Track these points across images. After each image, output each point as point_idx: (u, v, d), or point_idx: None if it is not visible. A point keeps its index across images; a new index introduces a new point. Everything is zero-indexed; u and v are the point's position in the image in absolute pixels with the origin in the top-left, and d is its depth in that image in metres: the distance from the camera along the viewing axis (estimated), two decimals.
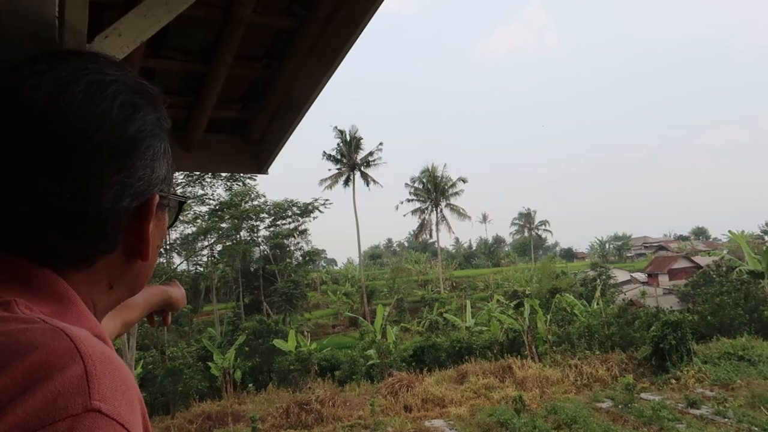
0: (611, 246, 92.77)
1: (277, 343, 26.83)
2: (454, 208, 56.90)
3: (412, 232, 75.56)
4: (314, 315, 49.43)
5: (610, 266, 56.75)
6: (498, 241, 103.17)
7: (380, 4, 2.02)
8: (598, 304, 28.80)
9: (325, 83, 2.42)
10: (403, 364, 26.17)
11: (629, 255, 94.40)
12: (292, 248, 49.17)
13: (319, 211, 42.74)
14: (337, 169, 49.79)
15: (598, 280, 42.31)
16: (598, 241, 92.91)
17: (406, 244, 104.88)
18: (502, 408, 19.43)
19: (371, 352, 27.11)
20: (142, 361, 26.12)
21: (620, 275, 53.70)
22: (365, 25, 2.11)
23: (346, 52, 2.24)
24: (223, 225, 37.31)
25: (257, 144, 2.87)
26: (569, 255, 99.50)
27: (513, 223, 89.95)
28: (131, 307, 1.23)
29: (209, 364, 25.72)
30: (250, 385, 25.80)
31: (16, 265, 0.62)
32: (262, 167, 2.87)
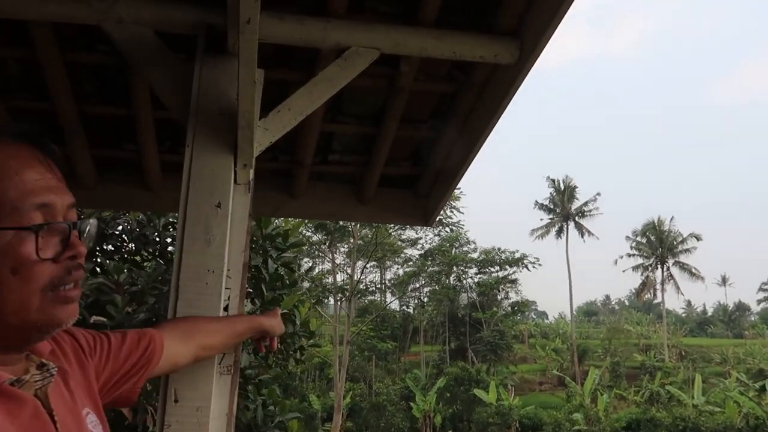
0: None
1: (478, 392, 26.50)
2: (684, 267, 51.03)
3: (633, 290, 69.34)
4: (520, 368, 47.68)
5: None
6: (741, 308, 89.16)
7: (528, 70, 2.08)
8: None
9: (483, 143, 2.51)
10: None
11: None
12: (500, 297, 48.53)
13: (527, 269, 41.60)
14: (550, 218, 48.30)
15: None
16: None
17: (626, 303, 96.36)
18: None
19: (578, 416, 25.25)
20: (351, 392, 27.82)
21: None
22: (517, 88, 2.18)
23: (500, 116, 2.32)
24: (433, 269, 38.46)
25: (426, 198, 3.05)
26: None
27: (761, 289, 77.17)
28: (207, 331, 1.40)
29: (411, 404, 26.38)
30: (450, 431, 25.78)
31: None
32: (428, 219, 3.03)
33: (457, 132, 2.65)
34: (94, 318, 3.43)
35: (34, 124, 2.45)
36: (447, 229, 35.83)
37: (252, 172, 1.84)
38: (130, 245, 4.17)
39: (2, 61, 2.22)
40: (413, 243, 33.57)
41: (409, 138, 2.79)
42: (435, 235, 34.73)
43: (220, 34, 1.82)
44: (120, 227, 4.13)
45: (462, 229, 39.64)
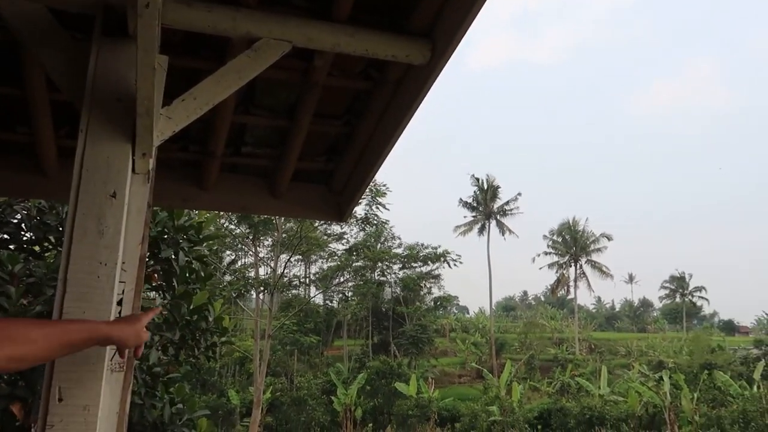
0: None
1: (399, 386, 26.88)
2: (595, 266, 53.84)
3: (548, 287, 72.43)
4: (441, 362, 48.76)
5: None
6: (645, 304, 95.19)
7: (440, 70, 2.12)
8: (759, 388, 25.36)
9: (396, 140, 2.55)
10: (527, 426, 24.87)
11: None
12: (423, 292, 49.36)
13: (449, 265, 42.52)
14: (473, 216, 49.58)
15: (762, 360, 37.22)
16: (766, 316, 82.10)
17: (542, 299, 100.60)
18: None
19: (494, 408, 26.13)
20: (272, 387, 27.49)
21: None
22: (429, 88, 2.22)
23: (413, 114, 2.36)
24: (358, 264, 38.58)
25: (340, 194, 3.06)
26: (730, 328, 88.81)
27: (663, 286, 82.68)
28: (20, 340, 1.12)
29: (333, 398, 26.39)
30: (370, 424, 26.00)
31: None
32: (342, 216, 3.04)
33: (372, 129, 2.66)
34: None
35: None
36: (374, 225, 35.98)
37: (153, 161, 1.77)
38: (27, 234, 3.92)
39: None
40: (339, 238, 33.53)
41: (324, 133, 2.78)
42: (360, 230, 34.83)
43: (120, 15, 1.74)
44: (18, 215, 3.87)
45: (387, 225, 40.03)
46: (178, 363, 4.65)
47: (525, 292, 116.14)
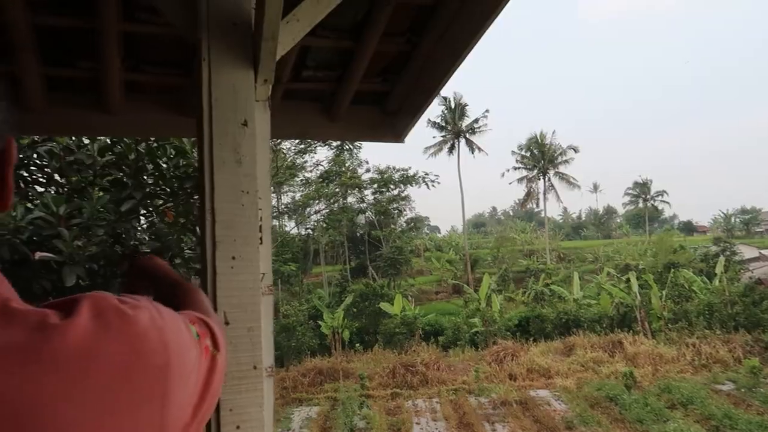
0: (737, 220, 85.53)
1: (384, 306, 27.70)
2: (563, 177, 54.95)
3: (517, 201, 73.97)
4: (417, 281, 50.19)
5: (735, 241, 52.47)
6: (609, 211, 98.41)
7: None
8: (720, 281, 26.95)
9: (463, 59, 2.53)
10: (508, 333, 26.12)
11: (758, 230, 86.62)
12: (395, 215, 49.95)
13: (427, 186, 42.75)
14: (442, 136, 49.57)
15: (722, 256, 39.39)
16: (722, 215, 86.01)
17: (511, 213, 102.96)
18: (611, 383, 18.94)
19: (476, 320, 27.27)
20: None
21: (747, 252, 49.52)
22: (503, 6, 2.20)
23: (484, 31, 2.34)
24: (333, 190, 38.57)
25: (394, 115, 3.05)
26: (689, 228, 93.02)
27: (626, 193, 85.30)
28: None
29: (319, 323, 27.11)
30: (358, 344, 26.94)
31: None
32: (399, 136, 3.05)
33: (434, 47, 2.64)
34: (38, 254, 3.18)
35: None
36: (343, 151, 35.75)
37: (270, 87, 1.76)
38: (55, 175, 3.84)
39: None
40: (314, 166, 33.20)
41: (382, 53, 2.74)
42: (336, 155, 34.43)
43: None
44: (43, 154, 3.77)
45: (355, 150, 39.80)
46: None
47: (494, 208, 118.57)
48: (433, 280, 52.65)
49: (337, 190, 39.31)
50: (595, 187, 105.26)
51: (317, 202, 40.09)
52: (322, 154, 54.17)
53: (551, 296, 33.54)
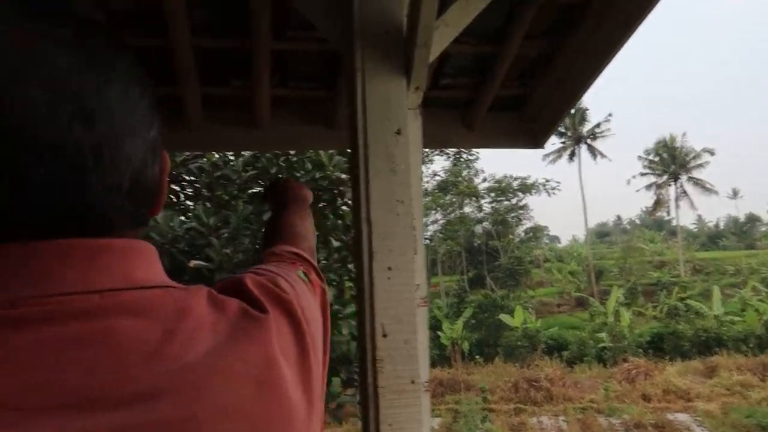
0: None
1: (504, 318, 27.04)
2: (698, 183, 50.78)
3: (645, 209, 69.35)
4: (537, 293, 48.44)
5: None
6: (751, 219, 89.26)
7: None
8: None
9: (611, 59, 2.37)
10: (639, 350, 24.44)
11: None
12: (513, 225, 48.75)
13: (547, 193, 41.36)
14: (561, 143, 47.78)
15: None
16: None
17: (638, 222, 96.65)
18: (764, 410, 17.03)
19: (603, 335, 25.81)
20: None
21: None
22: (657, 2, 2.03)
23: (636, 27, 2.17)
24: (450, 200, 38.53)
25: (533, 121, 2.93)
26: None
27: None
28: (309, 236, 1.22)
29: (438, 333, 27.00)
30: (477, 356, 26.48)
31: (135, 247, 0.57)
32: (539, 143, 2.92)
33: (578, 48, 2.50)
34: (193, 262, 3.41)
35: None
36: (460, 160, 35.54)
37: (421, 95, 1.73)
38: (203, 189, 4.10)
39: None
40: (431, 176, 33.39)
41: (523, 56, 2.64)
42: (453, 165, 34.30)
43: None
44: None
45: (471, 158, 39.37)
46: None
47: (618, 217, 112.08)
48: (554, 292, 50.57)
49: (453, 199, 39.14)
50: (735, 193, 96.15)
51: (434, 212, 40.13)
52: (439, 164, 54.45)
53: (687, 311, 30.92)
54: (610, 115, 52.97)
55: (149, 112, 0.58)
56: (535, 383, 20.46)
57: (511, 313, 27.62)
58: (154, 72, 2.39)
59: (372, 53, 1.65)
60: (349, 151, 1.74)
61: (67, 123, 0.49)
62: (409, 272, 1.58)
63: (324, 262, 4.26)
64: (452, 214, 41.73)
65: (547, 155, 48.28)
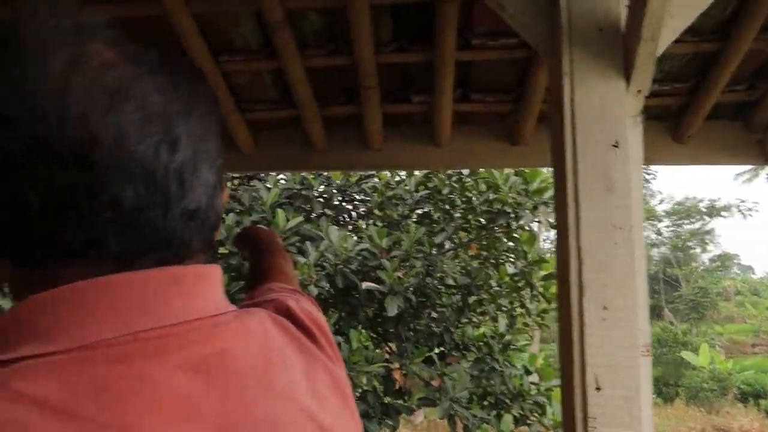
0: None
1: (686, 355, 24.26)
2: None
3: None
4: (726, 329, 42.87)
5: None
6: None
7: None
8: None
9: None
10: None
11: None
12: (697, 250, 43.97)
13: (743, 215, 36.78)
14: None
15: None
16: None
17: None
18: None
19: None
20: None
21: None
22: None
23: None
24: None
25: (764, 130, 2.44)
26: None
27: None
28: (293, 278, 1.22)
29: None
30: (655, 396, 24.02)
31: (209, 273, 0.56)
32: None
33: None
34: (365, 284, 3.37)
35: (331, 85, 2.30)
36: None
37: (643, 100, 1.45)
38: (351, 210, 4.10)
39: (302, 13, 2.06)
40: None
41: (752, 54, 2.20)
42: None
43: None
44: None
45: (648, 176, 36.28)
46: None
47: None
48: (748, 329, 44.38)
49: None
50: None
51: None
52: None
53: None
54: None
55: (218, 138, 0.59)
56: None
57: (695, 350, 24.69)
58: (335, 91, 2.37)
59: (582, 54, 1.41)
60: (548, 170, 1.51)
61: (154, 147, 0.49)
62: (629, 314, 1.30)
63: (497, 288, 4.02)
64: None
65: (739, 174, 42.92)
